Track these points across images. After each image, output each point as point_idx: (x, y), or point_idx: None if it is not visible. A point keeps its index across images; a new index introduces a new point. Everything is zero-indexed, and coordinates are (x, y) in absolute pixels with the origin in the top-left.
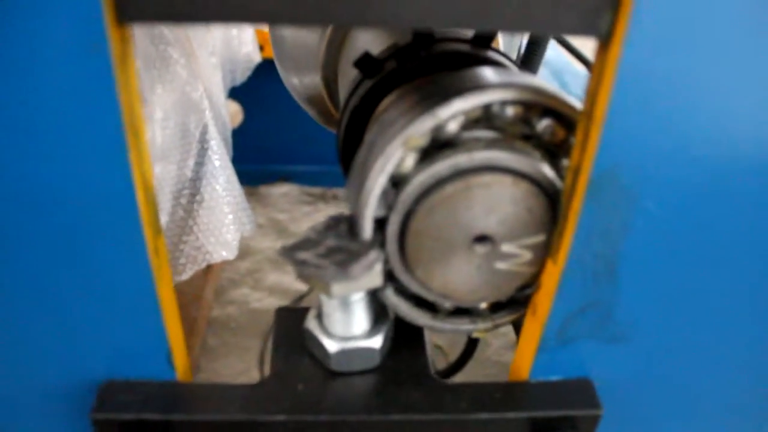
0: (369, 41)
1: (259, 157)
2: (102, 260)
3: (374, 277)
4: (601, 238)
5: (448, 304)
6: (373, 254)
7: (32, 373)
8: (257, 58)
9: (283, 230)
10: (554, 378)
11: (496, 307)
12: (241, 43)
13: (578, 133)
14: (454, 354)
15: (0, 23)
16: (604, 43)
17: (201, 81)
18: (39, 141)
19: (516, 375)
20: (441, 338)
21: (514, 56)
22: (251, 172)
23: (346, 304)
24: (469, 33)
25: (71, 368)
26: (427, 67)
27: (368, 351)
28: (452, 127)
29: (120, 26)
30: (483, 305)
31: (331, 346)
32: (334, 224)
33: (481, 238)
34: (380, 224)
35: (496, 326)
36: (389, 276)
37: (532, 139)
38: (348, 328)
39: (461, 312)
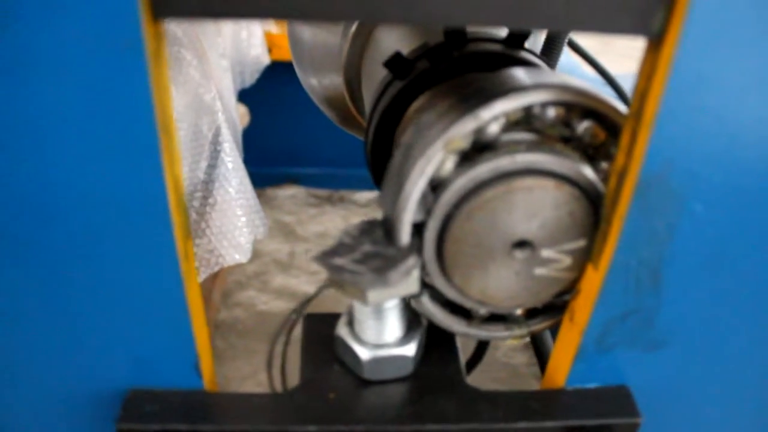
0: (396, 41)
1: (266, 160)
2: (132, 264)
3: (411, 284)
4: (646, 242)
5: (483, 311)
6: (411, 260)
7: (58, 381)
8: (266, 60)
9: (290, 233)
10: (591, 386)
11: (531, 314)
12: (251, 45)
13: (624, 134)
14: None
15: (34, 19)
16: (656, 43)
17: (213, 83)
18: (70, 140)
19: (551, 382)
20: None
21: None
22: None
23: (379, 310)
24: (502, 33)
25: (97, 376)
26: (461, 67)
27: (401, 359)
28: (493, 129)
29: (155, 22)
30: (518, 312)
31: (364, 353)
32: (368, 229)
33: (521, 244)
34: (417, 229)
35: (531, 333)
36: (424, 282)
37: (571, 141)
38: (381, 335)
39: (496, 318)
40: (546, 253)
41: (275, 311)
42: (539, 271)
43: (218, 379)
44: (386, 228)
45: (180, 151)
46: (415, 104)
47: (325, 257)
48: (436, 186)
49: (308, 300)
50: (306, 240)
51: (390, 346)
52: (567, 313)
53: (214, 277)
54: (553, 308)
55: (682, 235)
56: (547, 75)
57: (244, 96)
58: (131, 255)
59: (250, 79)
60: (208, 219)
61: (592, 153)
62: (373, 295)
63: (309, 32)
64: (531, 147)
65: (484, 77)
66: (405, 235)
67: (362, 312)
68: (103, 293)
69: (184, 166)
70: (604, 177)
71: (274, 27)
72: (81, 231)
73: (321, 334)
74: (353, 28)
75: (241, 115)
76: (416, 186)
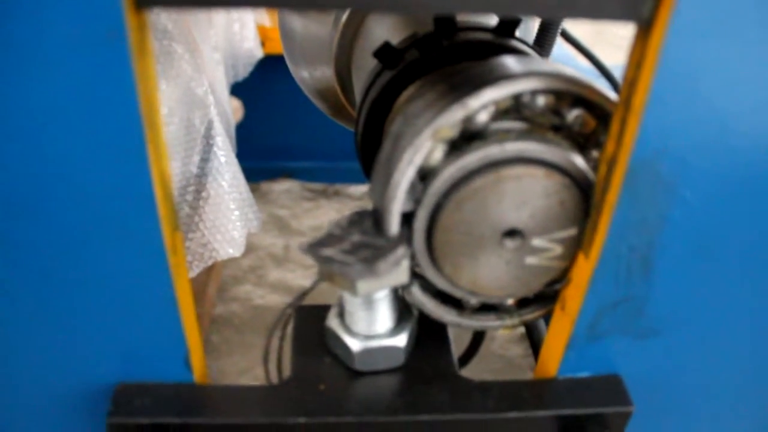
0: (386, 31)
1: (261, 154)
2: (119, 258)
3: (401, 274)
4: (636, 230)
5: (474, 301)
6: (400, 250)
7: (46, 376)
8: (259, 53)
9: (284, 227)
10: (583, 375)
11: (522, 303)
12: (243, 38)
13: (614, 122)
14: (460, 348)
15: (13, 10)
16: (645, 29)
17: (205, 76)
18: (53, 134)
19: (543, 371)
20: None
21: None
22: (252, 169)
23: (369, 301)
24: (492, 21)
25: (86, 371)
26: (450, 56)
27: (393, 350)
28: (482, 117)
29: (138, 12)
30: (510, 301)
31: (355, 345)
32: (358, 219)
33: (511, 233)
34: (407, 219)
35: (523, 322)
36: (414, 272)
37: (561, 129)
38: (371, 326)
39: (487, 308)
40: (536, 242)
41: (271, 305)
42: (530, 260)
43: (215, 373)
44: (376, 218)
45: (167, 145)
46: (405, 94)
47: (314, 248)
48: (425, 175)
49: (304, 294)
50: (301, 234)
51: (381, 337)
52: (558, 303)
53: (210, 271)
54: (545, 297)
55: (672, 223)
56: (536, 63)
57: (237, 90)
58: (119, 249)
59: (243, 73)
60: (201, 213)
61: (583, 141)
62: (362, 285)
63: (299, 23)
64: (520, 135)
65: (473, 66)
66: (394, 226)
67: (352, 303)
68: (91, 287)
69: (176, 160)
70: (595, 165)
71: (267, 20)
72: (67, 225)
73: (312, 325)
74: (343, 18)
75: (235, 108)
76: (404, 175)
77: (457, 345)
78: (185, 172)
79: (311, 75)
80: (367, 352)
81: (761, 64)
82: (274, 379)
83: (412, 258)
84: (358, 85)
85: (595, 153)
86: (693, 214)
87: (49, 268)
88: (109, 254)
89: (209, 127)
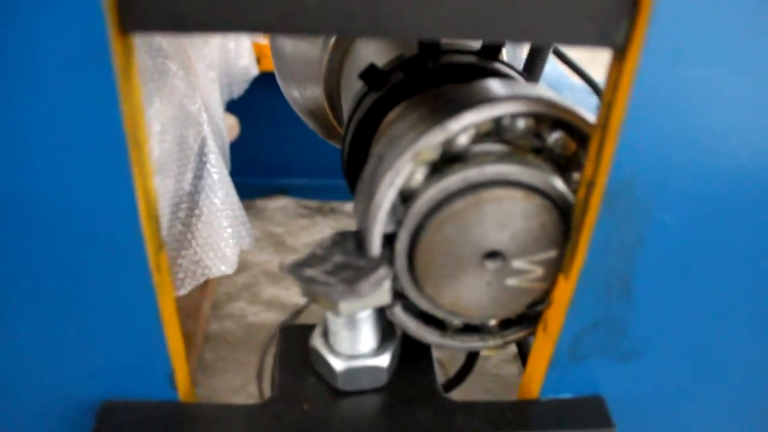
0: (373, 53)
1: (256, 171)
2: (102, 276)
3: (383, 295)
4: (615, 252)
5: (457, 322)
6: (382, 271)
7: (30, 393)
8: (254, 71)
9: (280, 244)
10: (565, 396)
11: (505, 324)
12: (239, 56)
13: (592, 145)
14: (454, 368)
15: None
16: (620, 53)
17: (199, 94)
18: (37, 153)
19: (526, 392)
20: (440, 351)
21: (519, 68)
22: (248, 186)
23: (352, 321)
24: (476, 44)
25: (69, 388)
26: (435, 79)
27: (376, 370)
28: (462, 140)
29: (123, 36)
30: (492, 322)
31: (338, 364)
32: (341, 240)
33: (492, 254)
34: (389, 240)
35: (506, 343)
36: (397, 293)
37: (542, 152)
38: (355, 346)
39: (470, 329)
40: (517, 263)
41: (265, 323)
42: (511, 281)
43: (208, 391)
44: (358, 239)
45: (161, 162)
46: (390, 115)
47: (296, 268)
48: (406, 197)
49: (298, 311)
50: (296, 251)
51: (364, 357)
52: (540, 324)
53: (204, 288)
54: (528, 318)
55: (651, 244)
56: (518, 86)
57: (233, 107)
58: (102, 267)
59: (238, 90)
60: (194, 230)
61: (564, 164)
62: (344, 306)
63: (290, 44)
64: (500, 158)
65: (456, 89)
66: (376, 246)
67: (335, 323)
68: (75, 305)
69: (169, 178)
70: (576, 188)
71: (262, 37)
72: (51, 244)
73: (296, 345)
74: (332, 40)
75: (230, 126)
76: (386, 197)
77: (452, 365)
78: (178, 190)
79: (302, 94)
80: (350, 372)
81: (735, 87)
82: (268, 397)
83: (395, 279)
84: (346, 106)
85: (576, 175)
86: (670, 235)
87: (32, 285)
88: (93, 273)
89: (202, 144)
